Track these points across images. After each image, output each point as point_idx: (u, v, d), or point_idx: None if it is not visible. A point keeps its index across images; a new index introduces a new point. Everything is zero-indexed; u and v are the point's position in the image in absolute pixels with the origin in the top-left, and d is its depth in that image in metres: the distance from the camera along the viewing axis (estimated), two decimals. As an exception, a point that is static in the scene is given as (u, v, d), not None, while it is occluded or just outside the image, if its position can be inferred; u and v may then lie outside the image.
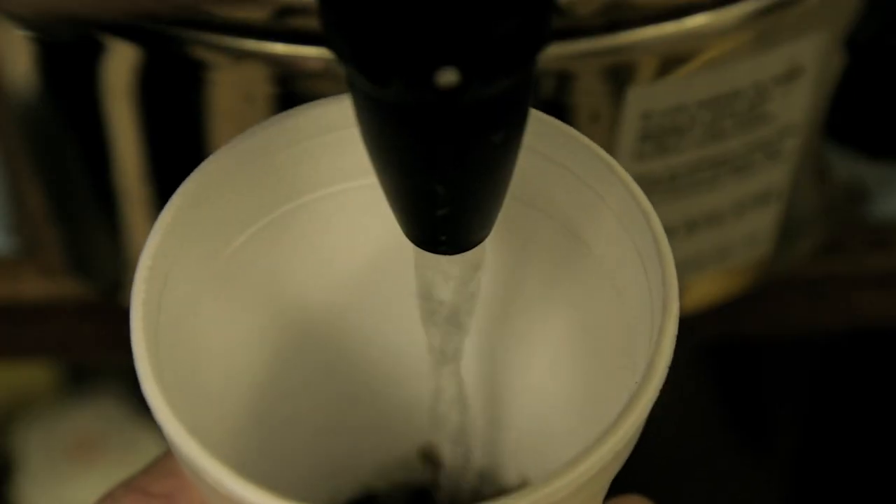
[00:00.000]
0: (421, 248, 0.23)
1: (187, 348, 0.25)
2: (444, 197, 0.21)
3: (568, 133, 0.24)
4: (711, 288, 0.41)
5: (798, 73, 0.35)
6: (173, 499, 0.26)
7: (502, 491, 0.30)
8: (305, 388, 0.30)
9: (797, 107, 0.36)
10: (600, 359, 0.26)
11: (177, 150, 0.36)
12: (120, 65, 0.33)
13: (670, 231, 0.38)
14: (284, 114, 0.25)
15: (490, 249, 0.27)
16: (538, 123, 0.24)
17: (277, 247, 0.27)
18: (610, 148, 0.35)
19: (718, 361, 0.72)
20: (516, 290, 0.28)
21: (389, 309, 0.29)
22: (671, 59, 0.33)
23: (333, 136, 0.25)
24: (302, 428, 0.30)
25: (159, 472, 0.26)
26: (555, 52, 0.31)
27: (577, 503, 0.22)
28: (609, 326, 0.26)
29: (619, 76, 0.33)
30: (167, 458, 0.26)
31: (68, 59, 0.35)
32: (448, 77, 0.18)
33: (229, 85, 0.33)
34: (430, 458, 0.31)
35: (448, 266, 0.25)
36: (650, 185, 0.36)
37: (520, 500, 0.20)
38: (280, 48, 0.31)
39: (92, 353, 0.51)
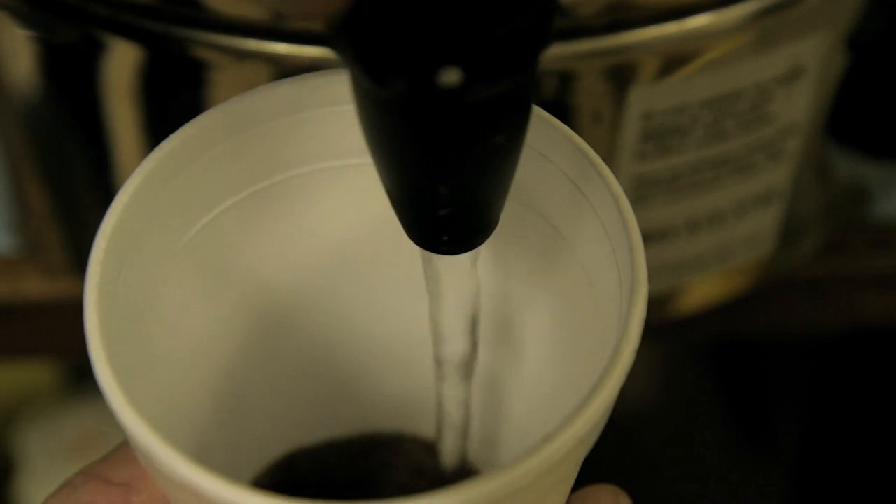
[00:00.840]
0: (423, 248, 0.23)
1: (147, 332, 0.24)
2: (446, 197, 0.21)
3: (551, 124, 0.24)
4: (713, 288, 0.41)
5: (800, 74, 0.35)
6: (133, 487, 0.25)
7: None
8: (271, 368, 0.29)
9: (799, 107, 0.36)
10: (580, 350, 0.26)
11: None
12: (122, 64, 0.33)
13: (672, 232, 0.38)
14: (249, 93, 0.24)
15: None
16: None
17: (243, 229, 0.26)
18: (611, 148, 0.35)
19: (720, 361, 0.72)
20: (501, 283, 0.28)
21: (358, 292, 0.29)
22: (673, 60, 0.33)
23: (300, 116, 0.25)
24: (265, 406, 0.29)
25: (119, 460, 0.26)
26: (557, 53, 0.31)
27: (542, 488, 0.22)
28: (586, 318, 0.26)
29: (621, 76, 0.33)
30: (127, 446, 0.26)
31: (70, 59, 0.35)
32: (451, 77, 0.18)
33: (231, 85, 0.33)
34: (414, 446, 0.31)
35: (453, 270, 0.24)
36: (652, 186, 0.36)
37: (482, 486, 0.20)
38: (281, 48, 0.31)
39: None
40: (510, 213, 0.25)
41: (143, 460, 0.22)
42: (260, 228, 0.27)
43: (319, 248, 0.28)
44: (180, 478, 0.20)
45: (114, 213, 0.23)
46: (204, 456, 0.24)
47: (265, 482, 0.29)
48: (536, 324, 0.28)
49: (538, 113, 0.24)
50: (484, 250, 0.27)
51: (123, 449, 0.26)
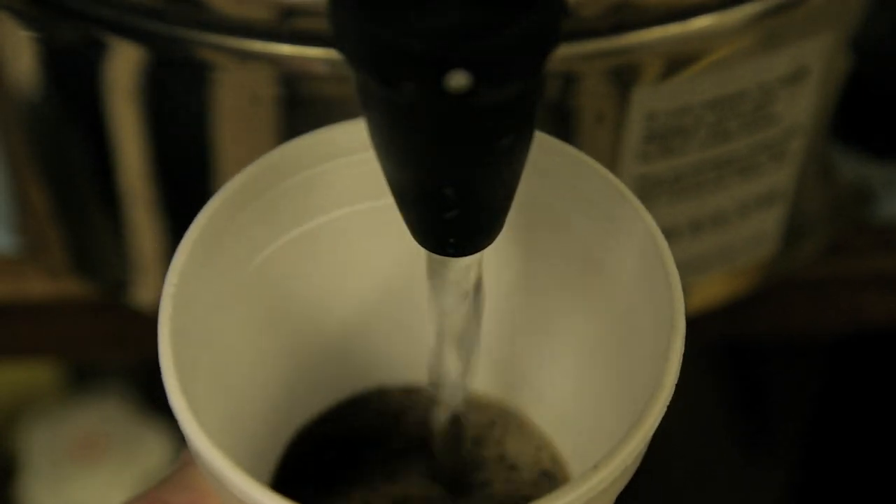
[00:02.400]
0: (429, 250, 0.23)
1: (210, 360, 0.26)
2: (453, 199, 0.21)
3: (583, 161, 0.26)
4: (716, 289, 0.41)
5: (803, 74, 0.35)
6: None
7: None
8: (318, 385, 0.31)
9: (802, 108, 0.36)
10: (614, 371, 0.27)
11: (181, 151, 0.36)
12: (124, 65, 0.33)
13: (675, 232, 0.38)
14: (302, 137, 0.26)
15: (509, 268, 0.28)
16: (555, 151, 0.26)
17: (296, 264, 0.28)
18: (615, 149, 0.35)
19: (722, 362, 0.72)
20: (535, 305, 0.29)
21: (401, 324, 0.30)
22: (676, 61, 0.33)
23: (350, 158, 0.26)
24: (309, 413, 0.31)
25: (178, 485, 0.27)
26: (560, 54, 0.31)
27: None
28: (619, 340, 0.26)
29: (625, 77, 0.33)
30: (184, 470, 0.27)
31: (73, 60, 0.35)
32: (458, 80, 0.18)
33: (234, 86, 0.33)
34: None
35: (458, 272, 0.25)
36: (655, 186, 0.36)
37: None
38: (286, 49, 0.31)
39: (96, 352, 0.51)
40: (546, 242, 0.27)
41: (213, 483, 0.23)
42: (311, 263, 0.28)
43: (361, 283, 0.29)
44: (252, 500, 0.22)
45: (184, 249, 0.25)
46: (258, 465, 0.27)
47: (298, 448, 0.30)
48: (567, 342, 0.29)
49: (570, 150, 0.26)
50: (518, 276, 0.28)
51: (181, 473, 0.27)
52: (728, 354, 0.71)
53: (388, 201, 0.23)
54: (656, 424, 0.23)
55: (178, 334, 0.24)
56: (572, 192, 0.26)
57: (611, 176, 0.25)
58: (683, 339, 0.23)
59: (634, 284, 0.26)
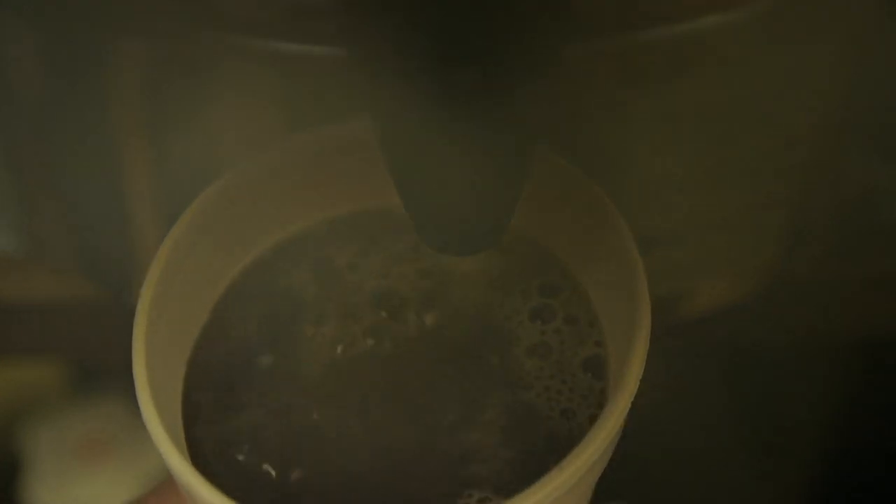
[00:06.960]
0: (433, 249, 0.23)
1: (177, 375, 0.26)
2: (458, 197, 0.21)
3: (566, 168, 0.26)
4: (721, 292, 0.41)
5: (811, 76, 0.35)
6: None
7: None
8: None
9: (809, 109, 0.36)
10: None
11: (186, 151, 0.36)
12: (129, 63, 0.33)
13: (680, 234, 0.38)
14: (283, 140, 0.27)
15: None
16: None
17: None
18: (621, 150, 0.35)
19: (727, 366, 0.72)
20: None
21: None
22: (682, 61, 0.33)
23: (327, 163, 0.27)
24: None
25: (168, 492, 0.27)
26: (566, 53, 0.31)
27: None
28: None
29: (630, 77, 0.33)
30: (171, 481, 0.27)
31: (77, 58, 0.35)
32: (466, 77, 0.18)
33: (239, 85, 0.33)
34: None
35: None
36: (660, 187, 0.36)
37: None
38: (291, 47, 0.31)
39: (100, 352, 0.51)
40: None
41: (188, 498, 0.24)
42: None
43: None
44: None
45: (158, 267, 0.25)
46: None
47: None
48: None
49: (560, 162, 0.26)
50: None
51: (169, 482, 0.27)
52: (733, 358, 0.71)
53: (370, 206, 0.23)
54: (621, 420, 0.23)
55: (153, 352, 0.24)
56: (557, 202, 0.26)
57: (592, 185, 0.26)
58: (647, 342, 0.24)
59: (608, 286, 0.26)
